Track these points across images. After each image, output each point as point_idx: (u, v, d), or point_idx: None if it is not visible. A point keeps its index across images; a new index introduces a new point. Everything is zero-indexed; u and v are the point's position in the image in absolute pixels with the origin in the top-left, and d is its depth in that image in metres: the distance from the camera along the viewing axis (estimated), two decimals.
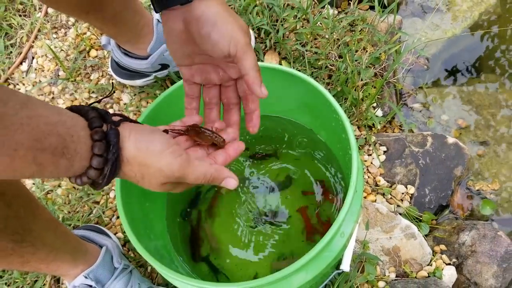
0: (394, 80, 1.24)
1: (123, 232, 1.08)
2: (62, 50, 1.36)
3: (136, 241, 0.67)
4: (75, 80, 1.31)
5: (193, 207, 0.99)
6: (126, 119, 0.51)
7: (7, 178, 0.42)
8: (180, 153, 0.52)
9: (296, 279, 0.68)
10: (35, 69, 1.34)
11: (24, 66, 1.35)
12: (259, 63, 0.81)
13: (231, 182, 0.58)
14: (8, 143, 0.39)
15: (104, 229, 1.05)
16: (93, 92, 1.29)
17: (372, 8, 1.32)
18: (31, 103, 0.41)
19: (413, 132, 1.22)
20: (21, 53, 1.36)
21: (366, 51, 1.21)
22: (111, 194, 1.14)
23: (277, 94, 0.90)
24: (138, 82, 1.23)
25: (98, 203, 1.14)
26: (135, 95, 1.27)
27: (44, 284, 1.06)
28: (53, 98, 1.29)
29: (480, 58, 1.36)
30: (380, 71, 1.22)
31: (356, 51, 1.21)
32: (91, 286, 0.87)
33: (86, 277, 0.85)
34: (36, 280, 1.07)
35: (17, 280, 1.06)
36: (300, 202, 0.95)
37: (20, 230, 0.66)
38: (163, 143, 0.50)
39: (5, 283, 1.06)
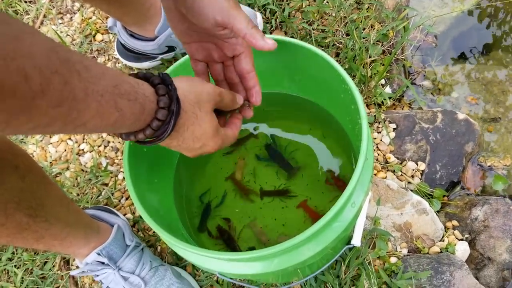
0: (403, 57, 1.22)
1: (133, 213, 1.08)
2: (68, 35, 1.35)
3: (147, 216, 0.67)
4: None
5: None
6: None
7: (94, 128, 0.44)
8: (213, 89, 0.60)
9: (306, 249, 0.67)
10: None
11: None
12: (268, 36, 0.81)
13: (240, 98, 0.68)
14: (96, 89, 0.42)
15: (114, 210, 1.05)
16: None
17: None
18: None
19: (422, 109, 1.20)
20: None
21: (374, 28, 1.20)
22: (120, 176, 1.14)
23: (283, 67, 0.90)
24: (145, 64, 1.22)
25: (106, 185, 1.13)
26: None
27: (54, 266, 1.06)
28: None
29: (489, 35, 1.34)
30: (388, 48, 1.20)
31: (364, 28, 1.20)
32: (103, 263, 0.87)
33: (99, 254, 0.85)
34: (45, 262, 1.07)
35: (26, 262, 1.07)
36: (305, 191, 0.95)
37: (34, 204, 0.66)
38: (197, 78, 0.61)
39: (15, 265, 1.07)
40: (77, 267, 1.04)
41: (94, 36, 1.34)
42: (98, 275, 0.89)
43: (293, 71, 0.90)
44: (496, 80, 1.26)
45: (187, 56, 0.82)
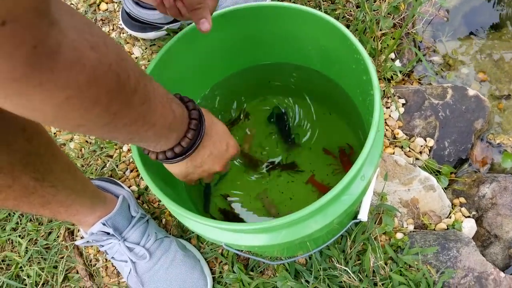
0: (413, 31, 1.20)
1: (137, 185, 1.07)
2: (71, 3, 1.33)
3: (154, 186, 0.66)
4: None
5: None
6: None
7: (159, 128, 0.53)
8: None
9: (313, 222, 0.66)
10: None
11: None
12: (275, 2, 0.79)
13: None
14: (159, 93, 0.51)
15: (119, 181, 1.04)
16: None
17: None
18: None
19: (431, 85, 1.18)
20: None
21: (385, 0, 1.17)
22: (124, 148, 1.13)
23: (291, 37, 0.87)
24: (150, 35, 1.20)
25: (111, 156, 1.12)
26: (146, 48, 1.24)
27: (58, 236, 1.06)
28: None
29: (501, 12, 1.31)
30: (399, 21, 1.18)
31: (375, 0, 1.17)
32: (108, 233, 0.86)
33: (104, 224, 0.85)
34: (50, 232, 1.07)
35: (31, 232, 1.06)
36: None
37: (41, 168, 0.65)
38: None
39: (19, 235, 1.07)
40: (82, 237, 1.04)
41: (98, 5, 1.31)
42: (103, 246, 0.89)
43: (301, 40, 0.88)
44: (508, 57, 1.23)
45: (192, 25, 0.80)
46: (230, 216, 0.90)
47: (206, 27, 0.71)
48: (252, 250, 0.83)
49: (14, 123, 0.60)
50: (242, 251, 0.81)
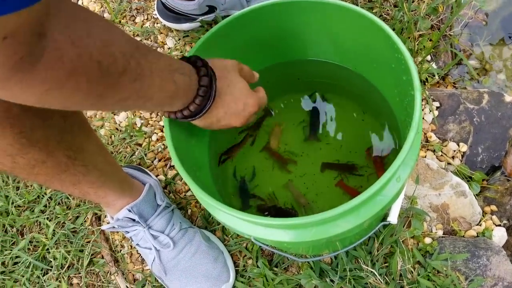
0: (451, 34, 1.18)
1: (165, 175, 1.08)
2: None
3: (185, 174, 0.66)
4: (120, 22, 1.29)
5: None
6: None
7: (158, 101, 0.56)
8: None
9: (345, 221, 0.65)
10: None
11: None
12: None
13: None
14: (157, 67, 0.53)
15: (146, 170, 1.05)
16: (137, 35, 1.27)
17: None
18: None
19: (466, 89, 1.16)
20: None
21: (424, 1, 1.15)
22: (153, 137, 1.14)
23: (328, 33, 0.86)
24: (184, 26, 1.20)
25: (140, 145, 1.13)
26: (179, 39, 1.24)
27: (85, 221, 1.07)
28: None
29: None
30: (436, 23, 1.15)
31: (413, 1, 1.15)
32: (134, 220, 0.87)
33: (129, 211, 0.85)
34: (77, 216, 1.08)
35: (59, 215, 1.08)
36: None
37: (74, 147, 0.66)
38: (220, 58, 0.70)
39: (47, 218, 1.08)
40: (108, 223, 1.05)
41: None
42: (128, 232, 0.89)
43: (337, 37, 0.86)
44: None
45: (228, 18, 0.79)
46: (272, 213, 0.89)
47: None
48: (280, 246, 0.83)
49: None
50: (268, 245, 0.81)
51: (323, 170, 0.91)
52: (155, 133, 1.14)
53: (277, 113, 0.99)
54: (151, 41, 1.25)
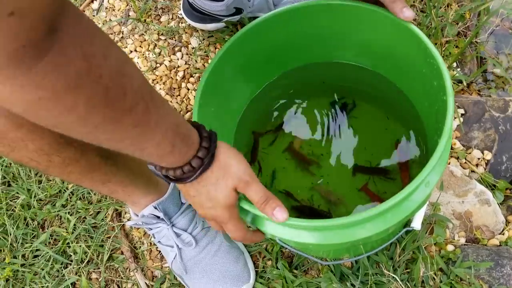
0: (477, 41, 1.17)
1: None
2: None
3: None
4: (145, 21, 1.30)
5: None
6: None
7: (147, 154, 0.51)
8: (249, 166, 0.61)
9: (372, 225, 0.65)
10: (106, 8, 1.34)
11: (95, 4, 1.35)
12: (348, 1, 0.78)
13: (279, 213, 0.60)
14: (163, 123, 0.49)
15: None
16: (162, 34, 1.28)
17: None
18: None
19: (490, 97, 1.15)
20: None
21: (451, 8, 1.14)
22: None
23: (358, 37, 0.86)
24: (209, 26, 1.20)
25: None
26: (203, 39, 1.25)
27: (106, 216, 1.08)
28: (122, 37, 1.29)
29: None
30: (463, 30, 1.15)
31: (440, 7, 1.14)
32: (158, 217, 0.87)
33: (155, 208, 0.86)
34: (98, 212, 1.09)
35: (80, 210, 1.08)
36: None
37: None
38: (241, 155, 0.61)
39: (68, 212, 1.09)
40: (129, 219, 1.05)
41: None
42: (151, 229, 0.90)
43: (367, 41, 0.86)
44: None
45: (257, 19, 0.80)
46: (306, 212, 0.89)
47: (410, 14, 0.71)
48: (304, 247, 0.82)
49: None
50: (291, 247, 0.80)
51: (355, 174, 0.91)
52: None
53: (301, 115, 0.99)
54: (175, 40, 1.25)
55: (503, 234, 0.97)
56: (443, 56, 1.08)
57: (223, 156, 0.58)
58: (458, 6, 1.16)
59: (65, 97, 0.37)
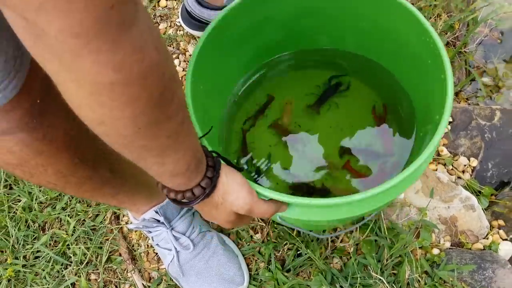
0: (466, 51, 1.21)
1: None
2: None
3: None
4: None
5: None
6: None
7: (165, 170, 0.51)
8: (251, 191, 0.62)
9: (376, 201, 0.66)
10: None
11: None
12: None
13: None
14: (188, 143, 0.49)
15: None
16: None
17: None
18: None
19: (478, 105, 1.19)
20: None
21: (441, 18, 1.18)
22: None
23: (363, 24, 0.86)
24: None
25: None
26: None
27: (105, 219, 1.11)
28: None
29: None
30: (452, 40, 1.19)
31: (430, 17, 1.18)
32: (159, 221, 0.91)
33: (156, 212, 0.89)
34: (97, 215, 1.12)
35: (79, 213, 1.12)
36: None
37: (114, 159, 0.70)
38: (243, 180, 0.62)
39: (68, 215, 1.12)
40: (127, 222, 1.09)
41: (158, 2, 1.36)
42: (151, 232, 0.93)
43: (373, 30, 0.86)
44: None
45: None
46: (304, 190, 0.89)
47: None
48: (305, 224, 0.83)
49: None
50: (291, 224, 0.80)
51: (342, 156, 0.91)
52: None
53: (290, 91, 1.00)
54: (173, 47, 1.29)
55: (487, 239, 1.01)
56: None
57: (223, 184, 0.59)
58: (448, 16, 1.20)
59: (133, 86, 0.36)
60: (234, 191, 0.60)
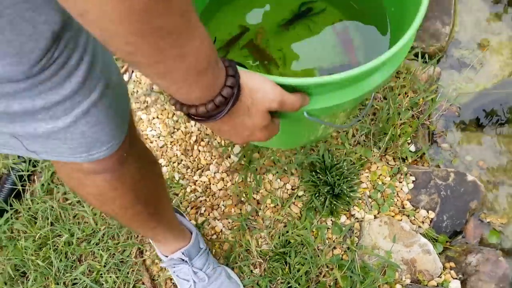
0: (428, 122, 1.48)
1: (195, 220, 1.37)
2: None
3: None
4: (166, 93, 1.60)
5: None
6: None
7: (188, 66, 0.47)
8: (275, 84, 0.62)
9: (378, 76, 0.72)
10: (134, 81, 1.65)
11: (125, 77, 1.66)
12: None
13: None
14: (202, 30, 0.47)
15: (183, 214, 1.34)
16: None
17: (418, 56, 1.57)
18: None
19: (439, 167, 1.46)
20: (123, 66, 1.67)
21: (407, 95, 1.46)
22: (188, 189, 1.43)
23: None
24: None
25: (177, 195, 1.43)
26: None
27: (131, 253, 1.36)
28: (147, 106, 1.60)
29: (507, 111, 1.59)
30: (417, 113, 1.47)
31: (399, 94, 1.46)
32: (183, 260, 1.15)
33: (183, 253, 1.13)
34: (124, 250, 1.37)
35: (110, 247, 1.36)
36: None
37: (157, 199, 0.94)
38: (262, 76, 0.61)
39: (101, 249, 1.37)
40: (152, 259, 1.33)
41: None
42: (174, 267, 1.17)
43: None
44: (509, 150, 1.50)
45: None
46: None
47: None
48: (331, 117, 0.93)
49: (148, 158, 0.87)
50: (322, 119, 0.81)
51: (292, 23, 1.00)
52: (189, 185, 1.44)
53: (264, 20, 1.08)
54: None
55: (440, 277, 1.26)
56: (399, 134, 1.39)
57: (247, 83, 0.57)
58: (414, 93, 1.48)
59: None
60: (260, 88, 0.59)
